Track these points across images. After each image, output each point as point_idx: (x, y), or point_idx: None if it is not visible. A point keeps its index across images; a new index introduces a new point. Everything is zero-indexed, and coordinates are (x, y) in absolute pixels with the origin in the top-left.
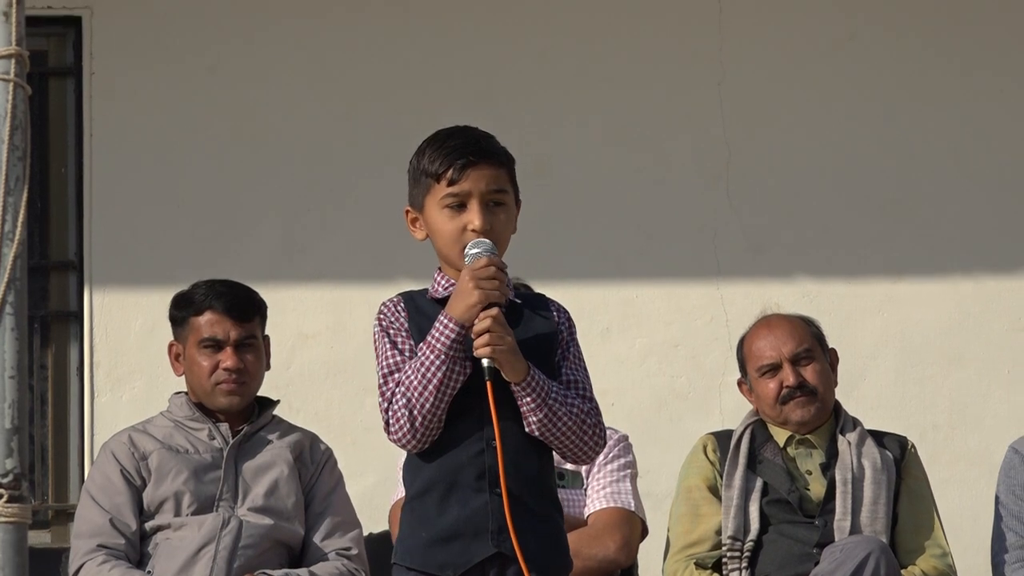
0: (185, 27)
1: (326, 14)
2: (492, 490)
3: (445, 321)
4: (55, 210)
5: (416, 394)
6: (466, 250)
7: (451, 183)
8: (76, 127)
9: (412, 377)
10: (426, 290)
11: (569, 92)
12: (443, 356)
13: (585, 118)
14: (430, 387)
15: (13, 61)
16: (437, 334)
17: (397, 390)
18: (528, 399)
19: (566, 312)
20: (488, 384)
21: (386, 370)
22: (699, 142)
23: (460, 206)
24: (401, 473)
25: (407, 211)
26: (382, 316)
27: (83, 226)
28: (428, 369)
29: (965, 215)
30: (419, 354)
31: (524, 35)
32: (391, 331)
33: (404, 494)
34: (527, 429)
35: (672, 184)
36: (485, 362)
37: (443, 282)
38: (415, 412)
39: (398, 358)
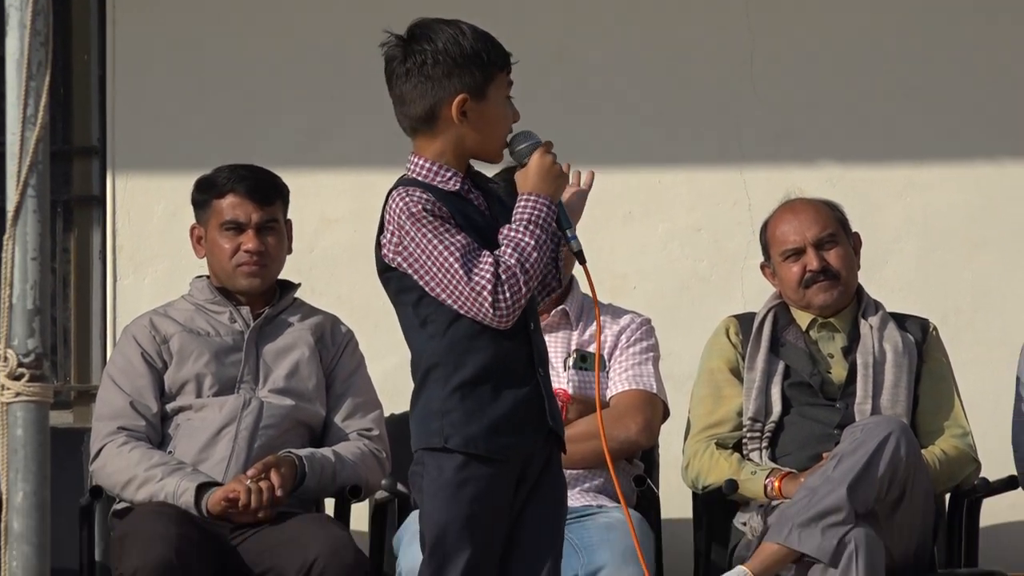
0: None
1: None
2: (537, 371)
3: (546, 202)
4: (78, 96)
5: (535, 271)
6: (519, 142)
7: (509, 74)
8: (99, 13)
9: (532, 255)
10: (416, 181)
11: None
12: (552, 233)
13: (607, 5)
14: (542, 264)
15: None
16: (543, 214)
17: (500, 269)
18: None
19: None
20: (585, 267)
21: (462, 250)
22: (723, 28)
23: (508, 95)
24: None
25: (465, 97)
26: (426, 205)
27: (106, 111)
28: (544, 247)
29: (988, 99)
30: (528, 234)
31: None
32: (443, 215)
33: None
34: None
35: (695, 70)
36: (575, 246)
37: (447, 174)
38: (530, 287)
39: (469, 237)
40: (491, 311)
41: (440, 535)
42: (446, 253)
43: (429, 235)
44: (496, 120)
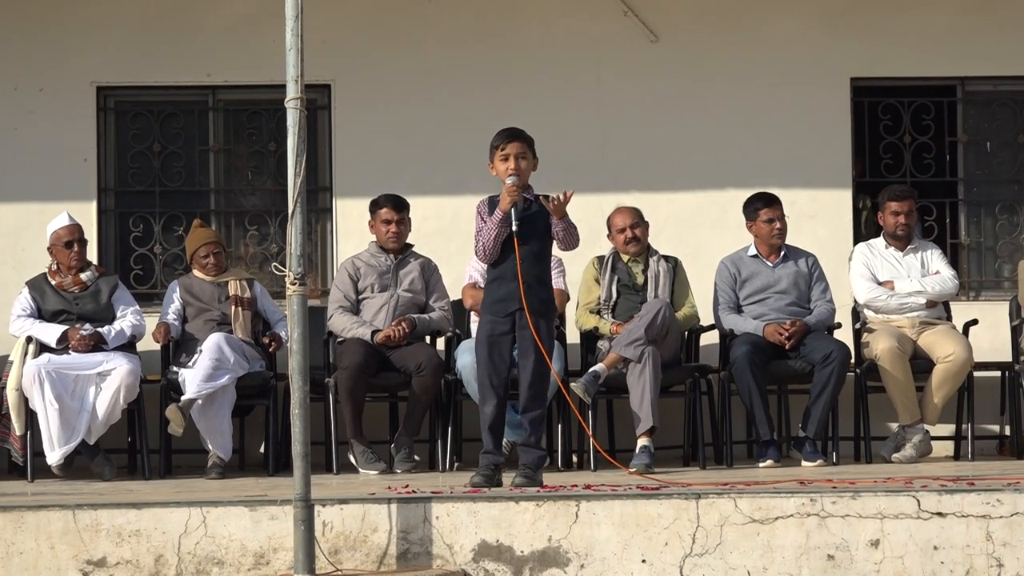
0: (377, 90)
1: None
2: (519, 280)
3: (497, 210)
4: (320, 161)
5: (486, 239)
6: (506, 179)
7: (502, 148)
8: (329, 133)
9: (485, 233)
10: (498, 195)
11: (520, 111)
12: (496, 224)
13: (526, 121)
14: (491, 237)
15: (299, 101)
16: (495, 215)
17: (480, 239)
18: (561, 225)
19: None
20: (515, 238)
21: (478, 228)
22: (587, 131)
23: (506, 159)
24: (468, 273)
25: (489, 164)
26: (479, 207)
27: (332, 171)
28: (491, 229)
29: (704, 159)
30: (488, 222)
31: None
32: (482, 214)
33: (468, 283)
34: (556, 233)
35: (578, 151)
36: (515, 228)
37: (503, 192)
38: (486, 247)
39: (482, 225)
40: (475, 253)
41: (476, 345)
42: (476, 227)
43: (476, 220)
44: (498, 170)
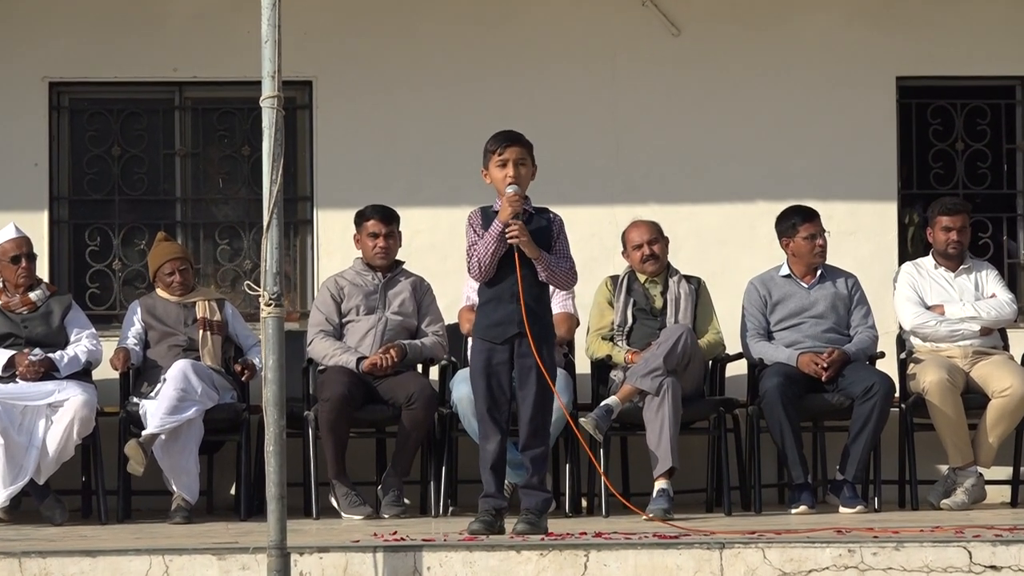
0: (364, 88)
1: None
2: (517, 302)
3: (496, 223)
4: (299, 169)
5: (482, 255)
6: (506, 189)
7: (499, 153)
8: (309, 135)
9: (481, 248)
10: (491, 206)
11: (526, 110)
12: (495, 238)
13: (532, 122)
14: (488, 252)
15: (276, 99)
16: (492, 228)
17: (475, 254)
18: (540, 265)
19: (558, 217)
20: (516, 254)
21: (469, 244)
22: (600, 135)
23: (504, 165)
24: (465, 294)
25: (483, 170)
26: (471, 219)
27: (313, 177)
28: (488, 244)
29: (731, 174)
30: (485, 237)
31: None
32: (474, 227)
33: (465, 305)
34: (539, 276)
35: (589, 157)
36: (514, 244)
37: (498, 202)
38: (482, 264)
39: (475, 239)
40: (469, 271)
41: (472, 377)
42: (468, 243)
43: (467, 233)
44: (494, 178)
